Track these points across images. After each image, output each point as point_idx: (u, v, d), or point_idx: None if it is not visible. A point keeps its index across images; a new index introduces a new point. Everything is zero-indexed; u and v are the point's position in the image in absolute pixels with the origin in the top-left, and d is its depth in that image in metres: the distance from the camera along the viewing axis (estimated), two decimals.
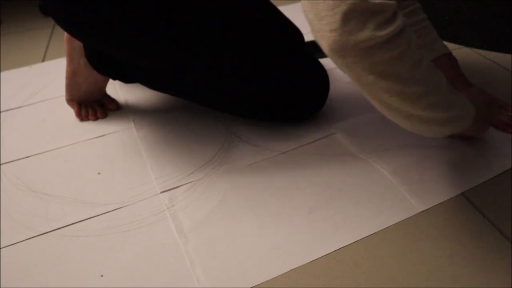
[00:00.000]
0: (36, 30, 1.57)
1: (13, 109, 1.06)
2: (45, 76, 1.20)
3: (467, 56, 1.13)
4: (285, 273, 0.61)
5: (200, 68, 0.81)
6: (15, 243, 0.69)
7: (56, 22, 0.78)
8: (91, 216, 0.72)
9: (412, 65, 0.54)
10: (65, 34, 0.93)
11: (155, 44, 0.75)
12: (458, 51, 1.16)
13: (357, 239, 0.65)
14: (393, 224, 0.67)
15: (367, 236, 0.65)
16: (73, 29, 0.78)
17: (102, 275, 0.62)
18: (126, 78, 0.94)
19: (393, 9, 0.51)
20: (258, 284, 0.60)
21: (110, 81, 0.99)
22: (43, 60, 1.32)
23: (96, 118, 0.98)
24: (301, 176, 0.77)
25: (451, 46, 1.19)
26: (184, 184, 0.77)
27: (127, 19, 0.72)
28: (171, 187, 0.77)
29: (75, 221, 0.72)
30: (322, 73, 0.86)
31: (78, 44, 0.92)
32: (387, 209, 0.69)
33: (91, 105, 0.99)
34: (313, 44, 1.22)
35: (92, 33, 0.76)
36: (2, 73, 1.24)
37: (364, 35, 0.50)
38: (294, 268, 0.61)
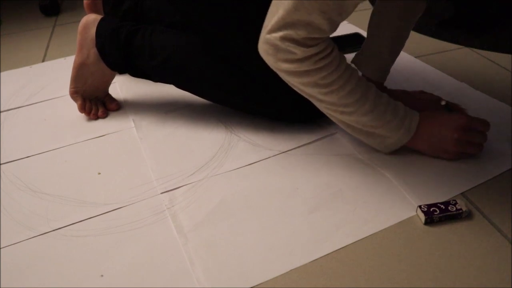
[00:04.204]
0: (36, 30, 1.57)
1: (13, 109, 1.06)
2: (45, 76, 1.21)
3: (467, 56, 1.13)
4: (285, 273, 0.61)
5: (212, 68, 0.85)
6: (15, 243, 0.68)
7: None
8: (91, 216, 0.72)
9: (332, 90, 0.70)
10: (80, 24, 0.94)
11: None
12: (458, 51, 1.17)
13: (357, 239, 0.65)
14: (393, 224, 0.67)
15: (367, 236, 0.65)
16: None
17: (102, 275, 0.62)
18: (134, 72, 0.95)
19: (301, 55, 0.65)
20: (258, 284, 0.60)
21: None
22: (43, 60, 1.32)
23: (97, 118, 0.98)
24: (301, 176, 0.77)
25: (451, 46, 1.19)
26: (185, 185, 0.77)
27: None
28: (171, 188, 0.77)
29: (75, 221, 0.72)
30: None
31: (91, 35, 0.92)
32: (387, 209, 0.69)
33: (94, 102, 0.99)
34: None
35: None
36: (2, 73, 1.24)
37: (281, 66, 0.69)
38: (294, 268, 0.61)
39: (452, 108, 0.85)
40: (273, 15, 0.65)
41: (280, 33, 0.64)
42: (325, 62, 0.67)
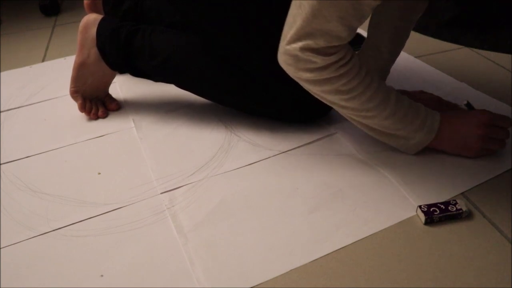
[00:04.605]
0: (36, 30, 1.57)
1: (13, 109, 1.06)
2: (45, 76, 1.21)
3: (467, 56, 1.13)
4: (285, 273, 0.61)
5: (215, 67, 0.85)
6: (15, 243, 0.68)
7: None
8: (91, 216, 0.72)
9: (352, 96, 0.70)
10: (81, 24, 0.94)
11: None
12: (458, 51, 1.17)
13: (357, 239, 0.65)
14: (393, 224, 0.67)
15: (367, 236, 0.65)
16: None
17: (102, 275, 0.62)
18: (134, 71, 0.95)
19: (322, 63, 0.66)
20: (258, 284, 0.60)
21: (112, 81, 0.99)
22: (43, 60, 1.32)
23: (97, 117, 0.98)
24: (301, 176, 0.77)
25: (451, 46, 1.19)
26: (185, 185, 0.77)
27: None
28: (171, 188, 0.77)
29: (75, 221, 0.72)
30: None
31: (91, 34, 0.92)
32: (387, 209, 0.69)
33: (94, 102, 0.99)
34: None
35: None
36: (2, 73, 1.24)
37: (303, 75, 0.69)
38: (294, 268, 0.61)
39: (473, 107, 0.85)
40: (291, 26, 0.65)
41: (300, 44, 0.65)
42: (346, 69, 0.67)
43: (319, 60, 0.65)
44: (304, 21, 0.62)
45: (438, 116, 0.75)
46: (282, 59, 0.69)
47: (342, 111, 0.75)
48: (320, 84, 0.69)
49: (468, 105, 0.85)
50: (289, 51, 0.67)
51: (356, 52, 0.90)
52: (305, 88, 0.73)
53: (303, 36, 0.64)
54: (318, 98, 0.74)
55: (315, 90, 0.71)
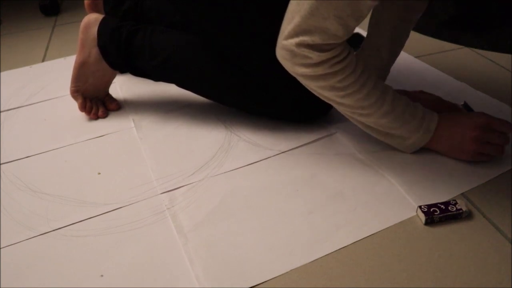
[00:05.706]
0: (36, 30, 1.57)
1: (13, 109, 1.06)
2: (45, 76, 1.21)
3: (467, 56, 1.13)
4: (285, 273, 0.61)
5: (217, 67, 0.86)
6: (15, 243, 0.68)
7: None
8: (91, 216, 0.72)
9: (349, 92, 0.71)
10: (82, 23, 0.94)
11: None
12: (458, 51, 1.17)
13: (357, 239, 0.65)
14: (393, 224, 0.67)
15: (367, 236, 0.65)
16: None
17: (102, 275, 0.62)
18: (135, 71, 0.95)
19: (317, 59, 0.66)
20: (258, 284, 0.60)
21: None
22: (43, 60, 1.32)
23: (97, 117, 0.98)
24: (301, 176, 0.77)
25: (451, 46, 1.19)
26: (185, 185, 0.77)
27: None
28: (171, 188, 0.77)
29: (75, 221, 0.72)
30: None
31: (92, 34, 0.92)
32: (387, 209, 0.69)
33: (94, 102, 0.99)
34: None
35: None
36: (2, 73, 1.24)
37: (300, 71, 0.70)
38: (294, 268, 0.61)
39: (471, 107, 0.84)
40: (289, 22, 0.66)
41: (296, 39, 0.66)
42: (341, 66, 0.68)
43: (314, 56, 0.66)
44: (302, 18, 0.63)
45: (436, 117, 0.75)
46: (279, 54, 0.71)
47: (338, 108, 0.76)
48: (316, 79, 0.70)
49: (466, 106, 0.85)
50: (285, 46, 0.68)
51: (356, 52, 0.91)
52: (302, 83, 0.73)
53: (300, 32, 0.65)
54: (315, 94, 0.74)
55: (311, 85, 0.72)
